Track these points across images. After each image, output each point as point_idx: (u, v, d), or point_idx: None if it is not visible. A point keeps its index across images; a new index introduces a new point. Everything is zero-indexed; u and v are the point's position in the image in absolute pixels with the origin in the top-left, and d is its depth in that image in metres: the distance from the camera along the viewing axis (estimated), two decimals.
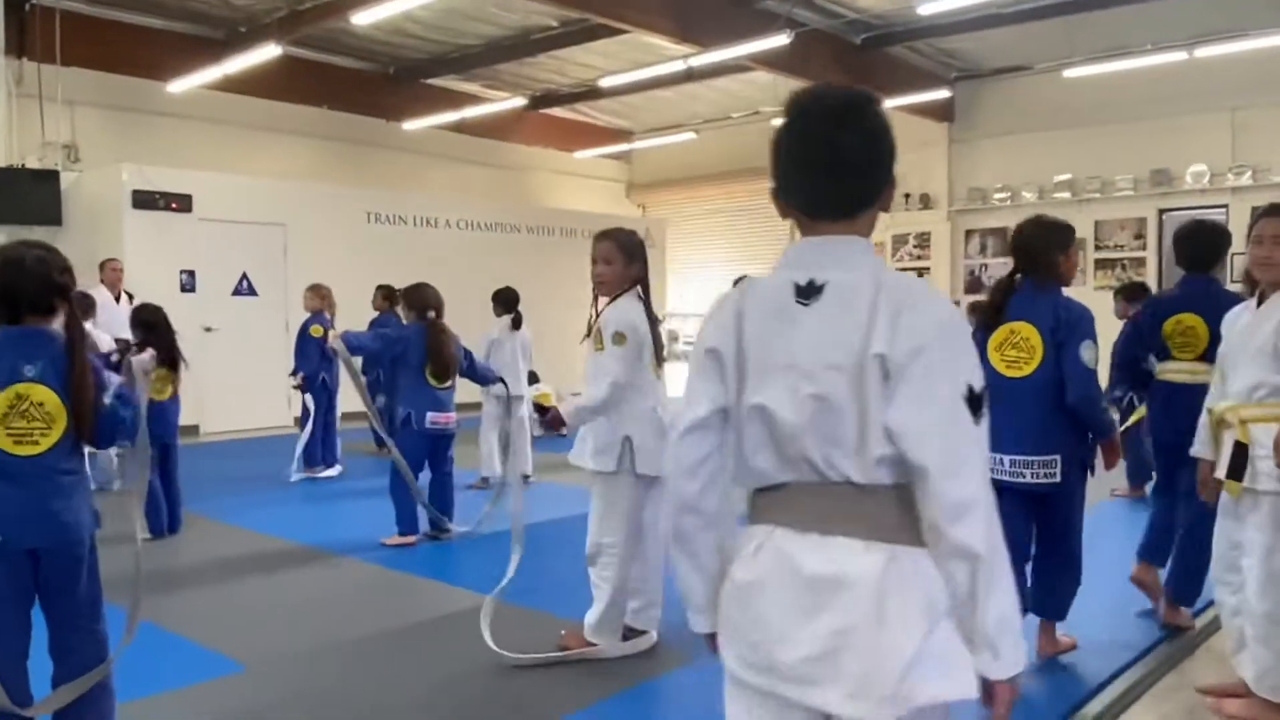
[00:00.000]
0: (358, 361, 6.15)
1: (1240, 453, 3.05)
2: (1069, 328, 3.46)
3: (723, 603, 1.60)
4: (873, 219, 1.61)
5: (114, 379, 2.78)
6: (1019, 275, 3.65)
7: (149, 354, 3.96)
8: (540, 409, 3.82)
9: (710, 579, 1.65)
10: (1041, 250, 3.60)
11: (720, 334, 1.60)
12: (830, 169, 1.56)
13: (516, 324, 7.57)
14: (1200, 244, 4.19)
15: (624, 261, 3.75)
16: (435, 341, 5.67)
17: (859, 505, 1.49)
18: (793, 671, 1.48)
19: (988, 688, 1.50)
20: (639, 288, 3.77)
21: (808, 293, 1.54)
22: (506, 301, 7.63)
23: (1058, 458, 3.44)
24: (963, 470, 1.44)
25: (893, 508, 1.49)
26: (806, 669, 1.47)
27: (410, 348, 5.68)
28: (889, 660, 1.43)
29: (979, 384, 1.49)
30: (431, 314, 5.76)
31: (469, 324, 8.24)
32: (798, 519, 1.52)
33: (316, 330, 7.78)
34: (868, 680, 1.44)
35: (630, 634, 3.83)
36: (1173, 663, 3.76)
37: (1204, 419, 3.32)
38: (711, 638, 1.67)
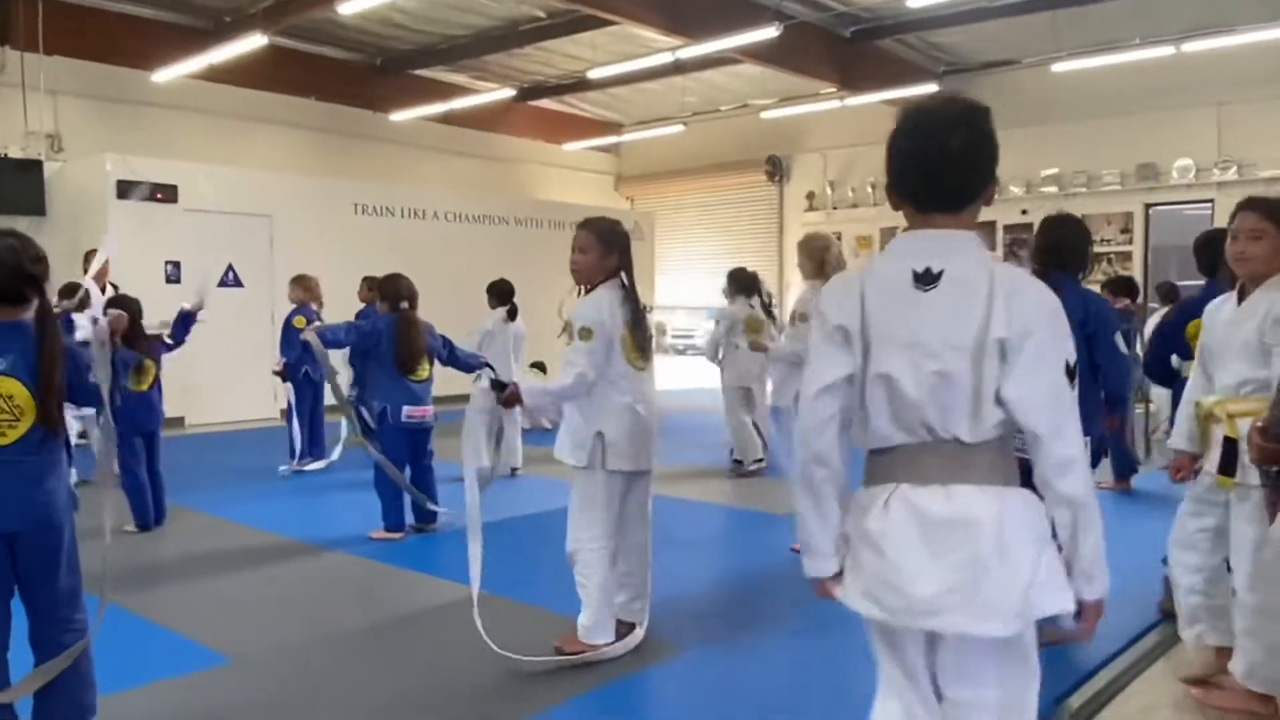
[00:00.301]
0: (340, 357, 6.11)
1: (1231, 448, 3.05)
2: (1100, 319, 3.58)
3: (855, 550, 1.85)
4: (976, 211, 1.86)
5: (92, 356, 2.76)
6: (1042, 269, 3.69)
7: (106, 320, 3.92)
8: (498, 385, 3.72)
9: (832, 527, 1.88)
10: (1071, 246, 3.74)
11: (845, 313, 1.83)
12: (940, 170, 1.81)
13: (512, 315, 7.55)
14: (1217, 250, 4.29)
15: (601, 251, 3.70)
16: (402, 333, 5.59)
17: (969, 459, 1.77)
18: (927, 605, 1.74)
19: (1080, 606, 1.79)
20: (620, 278, 3.71)
21: (926, 279, 1.78)
22: (501, 293, 7.61)
23: (1086, 440, 3.55)
24: (1066, 433, 1.74)
25: (996, 458, 1.78)
26: (941, 600, 1.73)
27: (384, 340, 5.61)
28: (1014, 584, 1.72)
29: (1073, 359, 1.77)
30: (404, 304, 5.68)
31: (456, 315, 8.23)
32: (919, 475, 1.79)
33: (299, 322, 7.77)
34: (998, 602, 1.72)
35: (620, 627, 3.80)
36: (1161, 651, 3.78)
37: (1185, 411, 3.36)
38: (820, 582, 1.91)
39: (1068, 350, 1.77)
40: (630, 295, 3.72)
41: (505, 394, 3.67)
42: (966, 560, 1.73)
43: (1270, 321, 2.99)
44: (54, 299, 2.78)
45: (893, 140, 1.87)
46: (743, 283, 7.91)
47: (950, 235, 1.82)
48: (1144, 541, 4.35)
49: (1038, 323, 1.74)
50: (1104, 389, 3.59)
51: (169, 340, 5.78)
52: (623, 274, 3.72)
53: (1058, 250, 3.73)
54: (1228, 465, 3.05)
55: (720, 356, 7.82)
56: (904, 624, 1.80)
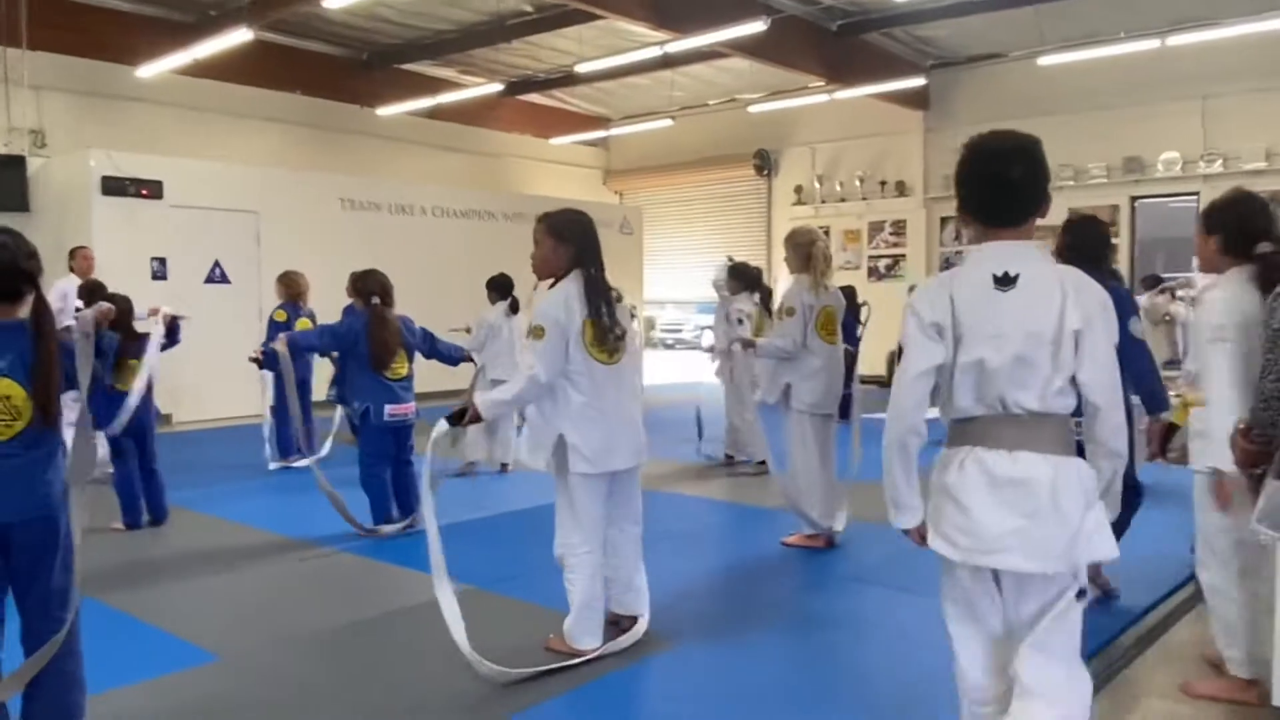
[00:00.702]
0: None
1: (1167, 431, 3.42)
2: (1120, 306, 3.68)
3: (936, 501, 2.25)
4: (1033, 224, 2.26)
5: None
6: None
7: (91, 311, 3.87)
8: (456, 416, 3.52)
9: (916, 486, 2.29)
10: (1093, 243, 3.98)
11: (938, 311, 2.21)
12: (1006, 194, 2.23)
13: (514, 309, 7.55)
14: None
15: (552, 244, 3.60)
16: (373, 329, 5.51)
17: (1034, 430, 2.16)
18: (994, 544, 2.14)
19: None
20: (583, 271, 3.59)
21: (1005, 282, 2.17)
22: (501, 287, 7.59)
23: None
24: (1118, 404, 2.21)
25: (1056, 431, 2.17)
26: (1005, 541, 2.13)
27: (360, 339, 5.53)
28: (1062, 533, 2.11)
29: (1117, 341, 2.19)
30: (375, 300, 5.61)
31: (443, 310, 8.22)
32: (990, 440, 2.18)
33: (280, 315, 7.79)
34: (1047, 546, 2.11)
35: (623, 620, 3.80)
36: (1165, 625, 3.86)
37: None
38: (911, 530, 2.34)
39: (1114, 335, 2.18)
40: (594, 286, 3.57)
41: (466, 419, 3.52)
42: (1025, 511, 2.11)
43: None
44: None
45: (962, 169, 2.28)
46: (749, 277, 7.79)
47: (1020, 245, 2.22)
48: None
49: (1097, 315, 2.15)
50: (1126, 370, 3.73)
51: (162, 341, 5.71)
52: (587, 265, 3.60)
53: (1081, 248, 3.87)
54: (1161, 446, 3.46)
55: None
56: (975, 561, 2.19)
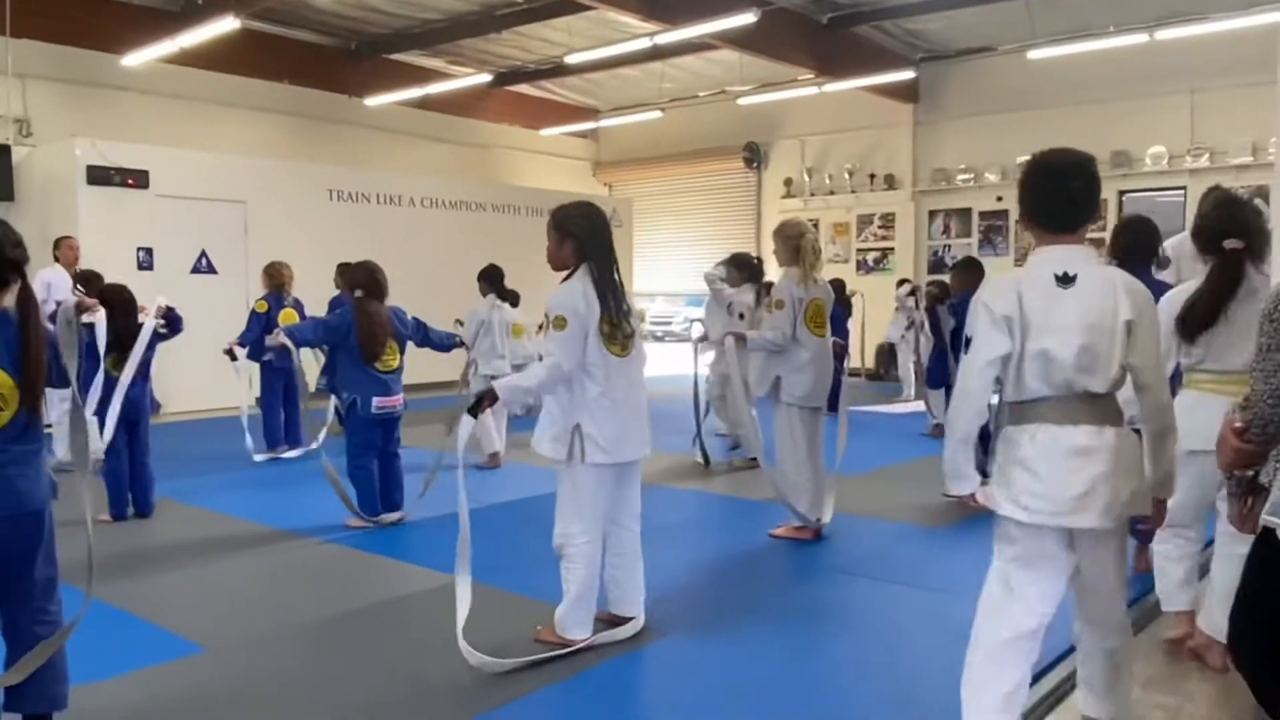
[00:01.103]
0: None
1: None
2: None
3: (1005, 470, 2.57)
4: (1086, 230, 2.59)
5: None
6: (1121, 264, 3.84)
7: (74, 300, 3.88)
8: (475, 403, 3.60)
9: (973, 458, 2.61)
10: (1145, 244, 4.13)
11: (1007, 306, 2.49)
12: (1064, 204, 2.57)
13: (511, 302, 7.52)
14: None
15: (556, 239, 3.66)
16: (359, 321, 5.51)
17: (1094, 407, 2.50)
18: (1065, 506, 2.48)
19: (1156, 505, 2.61)
20: (589, 265, 3.62)
21: (1065, 281, 2.49)
22: (492, 279, 7.56)
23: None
24: (1165, 384, 2.61)
25: (1112, 407, 2.53)
26: (1074, 504, 2.47)
27: (350, 331, 5.53)
28: (1120, 494, 2.49)
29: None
30: (358, 293, 5.60)
31: (432, 301, 8.18)
32: (1057, 417, 2.50)
33: (261, 306, 7.76)
34: (1109, 506, 2.48)
35: (617, 620, 3.79)
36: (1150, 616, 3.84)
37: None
38: (970, 495, 2.70)
39: (1159, 325, 2.58)
40: (603, 281, 3.60)
41: (485, 404, 3.58)
42: (1089, 477, 2.47)
43: None
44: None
45: (1027, 182, 2.62)
46: (752, 269, 7.68)
47: (1076, 248, 2.55)
48: None
49: (1146, 308, 2.50)
50: None
51: (162, 331, 5.70)
52: (594, 259, 3.62)
53: (1137, 247, 4.07)
54: None
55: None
56: (1051, 523, 2.51)
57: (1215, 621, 3.26)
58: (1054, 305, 2.47)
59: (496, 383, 3.65)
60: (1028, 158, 2.68)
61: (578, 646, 3.61)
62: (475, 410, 3.57)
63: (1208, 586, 3.53)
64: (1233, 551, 3.00)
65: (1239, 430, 2.17)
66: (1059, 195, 2.56)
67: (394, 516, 5.67)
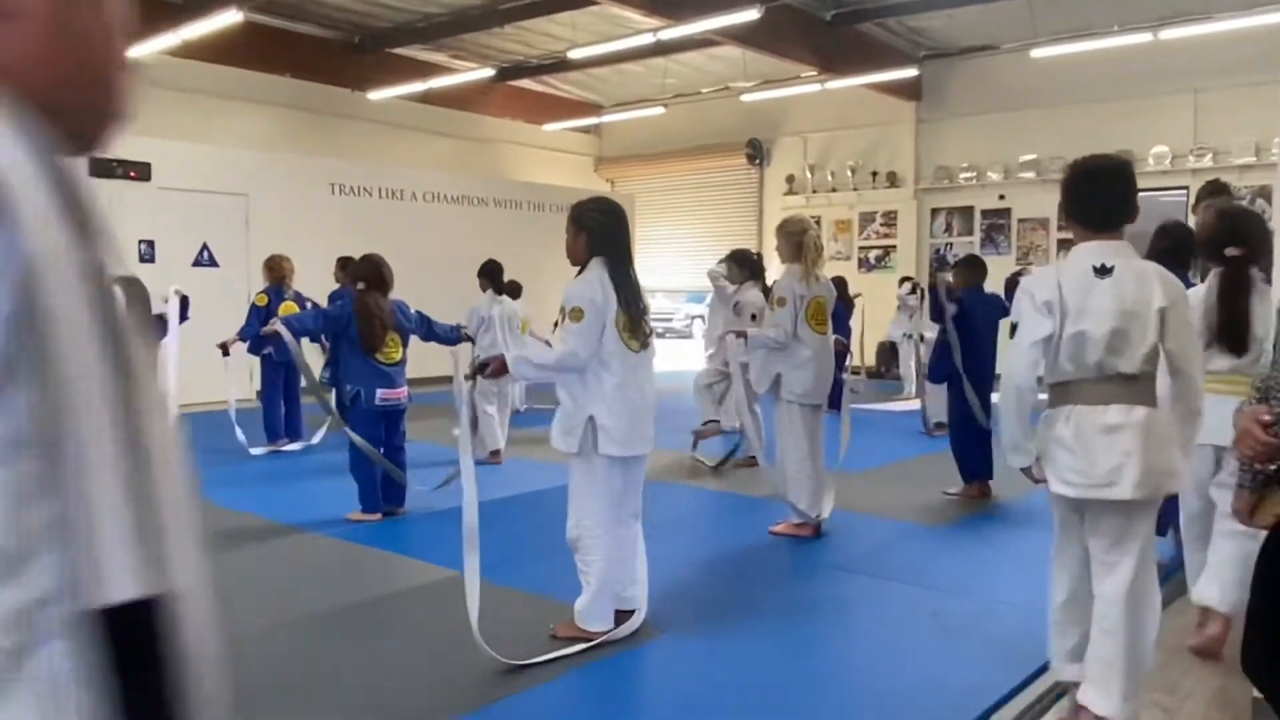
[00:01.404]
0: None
1: None
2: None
3: (1048, 450, 2.79)
4: (1123, 230, 2.82)
5: None
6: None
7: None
8: (481, 367, 3.75)
9: (1030, 432, 2.84)
10: (1184, 246, 4.24)
11: (1050, 293, 2.74)
12: (1105, 205, 2.81)
13: (513, 294, 7.51)
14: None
15: (573, 232, 3.71)
16: (359, 314, 5.52)
17: (1126, 387, 2.71)
18: (1102, 479, 2.69)
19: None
20: (603, 260, 3.66)
21: (1102, 272, 2.72)
22: (492, 274, 7.56)
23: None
24: (1198, 369, 2.80)
25: (1143, 387, 2.72)
26: (1110, 476, 2.67)
27: (351, 322, 5.56)
28: (1153, 469, 2.68)
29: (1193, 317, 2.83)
30: (360, 286, 5.62)
31: (434, 296, 8.18)
32: (1090, 398, 2.73)
33: (261, 299, 7.77)
34: (1141, 480, 2.66)
35: (618, 615, 3.79)
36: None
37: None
38: (1028, 469, 2.87)
39: (1191, 316, 2.84)
40: (619, 275, 3.65)
41: (491, 368, 3.66)
42: (1121, 452, 2.66)
43: None
44: None
45: (1069, 185, 2.85)
46: (755, 267, 7.62)
47: (1114, 244, 2.78)
48: None
49: (1179, 297, 2.74)
50: None
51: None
52: (608, 254, 3.67)
53: (1176, 250, 4.20)
54: None
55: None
56: (1089, 495, 2.73)
57: (1207, 593, 3.51)
58: (1091, 292, 2.70)
59: (509, 355, 3.70)
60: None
61: (597, 641, 3.61)
62: (476, 374, 3.62)
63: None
64: (1233, 529, 3.01)
65: (1267, 423, 2.11)
66: (1099, 197, 2.80)
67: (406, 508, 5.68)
